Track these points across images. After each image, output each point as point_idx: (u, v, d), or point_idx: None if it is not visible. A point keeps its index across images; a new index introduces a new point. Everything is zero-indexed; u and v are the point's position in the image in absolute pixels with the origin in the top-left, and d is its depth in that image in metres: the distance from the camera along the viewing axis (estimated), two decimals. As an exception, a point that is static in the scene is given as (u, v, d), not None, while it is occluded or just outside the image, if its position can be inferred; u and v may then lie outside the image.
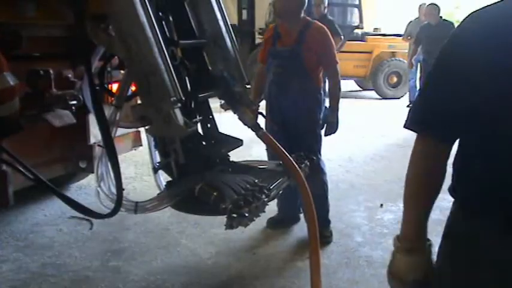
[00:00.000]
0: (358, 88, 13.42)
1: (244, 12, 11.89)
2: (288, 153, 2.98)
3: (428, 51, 7.90)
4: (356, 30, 11.51)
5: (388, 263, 1.47)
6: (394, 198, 4.82)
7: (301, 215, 3.92)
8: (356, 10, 11.52)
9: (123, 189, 2.65)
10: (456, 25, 1.67)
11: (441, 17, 7.82)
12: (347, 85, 13.45)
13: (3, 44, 2.91)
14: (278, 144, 3.00)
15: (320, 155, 3.81)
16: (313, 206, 2.91)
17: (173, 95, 2.44)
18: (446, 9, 15.74)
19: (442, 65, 1.31)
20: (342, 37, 7.45)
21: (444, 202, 5.10)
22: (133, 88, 2.93)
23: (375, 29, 12.78)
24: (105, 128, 2.57)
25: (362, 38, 11.78)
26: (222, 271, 3.39)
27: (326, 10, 7.41)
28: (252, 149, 5.10)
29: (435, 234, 3.21)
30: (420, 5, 10.28)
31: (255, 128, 3.01)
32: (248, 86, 3.11)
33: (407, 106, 10.68)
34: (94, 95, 2.63)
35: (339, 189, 5.01)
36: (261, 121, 3.33)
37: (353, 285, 3.21)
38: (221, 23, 3.01)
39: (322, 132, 3.82)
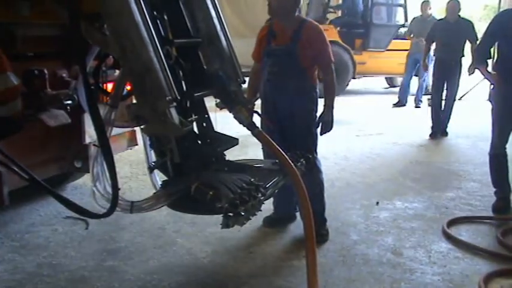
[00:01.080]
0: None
1: None
2: (284, 152, 2.98)
3: (446, 51, 7.40)
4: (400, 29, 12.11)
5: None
6: (389, 196, 4.83)
7: (297, 214, 3.93)
8: (401, 9, 12.21)
9: (119, 189, 2.64)
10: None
11: (459, 15, 7.57)
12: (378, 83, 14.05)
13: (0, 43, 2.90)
14: (274, 143, 3.00)
15: (316, 153, 3.81)
16: (309, 204, 2.91)
17: (168, 94, 2.44)
18: (442, 6, 15.80)
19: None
20: None
21: (440, 200, 5.14)
22: (128, 87, 2.93)
23: None
24: (101, 127, 2.57)
25: (405, 36, 11.98)
26: (218, 270, 3.39)
27: None
28: (248, 148, 5.10)
29: (431, 232, 3.24)
30: (422, 2, 10.27)
31: (251, 126, 3.00)
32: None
33: (394, 105, 10.66)
34: (89, 95, 2.63)
35: (334, 187, 5.02)
36: (257, 120, 3.34)
37: (349, 283, 3.21)
38: (216, 21, 3.01)
39: (318, 130, 3.82)
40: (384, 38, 11.96)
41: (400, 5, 12.31)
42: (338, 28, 11.74)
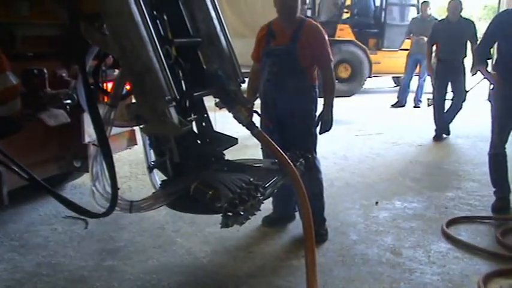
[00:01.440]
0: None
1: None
2: (283, 152, 2.98)
3: (448, 51, 7.28)
4: None
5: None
6: (389, 196, 4.84)
7: (297, 213, 3.93)
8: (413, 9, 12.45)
9: (118, 188, 2.64)
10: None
11: (461, 15, 7.48)
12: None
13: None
14: (273, 143, 3.00)
15: (315, 153, 3.81)
16: (308, 204, 2.92)
17: (168, 94, 2.44)
18: (440, 4, 15.90)
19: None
20: None
21: (439, 200, 5.13)
22: (128, 87, 2.93)
23: None
24: (100, 127, 2.57)
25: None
26: (217, 270, 3.39)
27: None
28: (247, 148, 5.10)
29: (431, 232, 3.23)
30: (422, 3, 10.26)
31: (250, 126, 3.00)
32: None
33: (393, 106, 10.65)
34: (89, 94, 2.63)
35: (334, 187, 5.02)
36: (256, 120, 3.34)
37: (348, 283, 3.21)
38: (216, 21, 3.01)
39: (317, 130, 3.82)
40: (397, 38, 12.14)
41: (413, 5, 12.53)
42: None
